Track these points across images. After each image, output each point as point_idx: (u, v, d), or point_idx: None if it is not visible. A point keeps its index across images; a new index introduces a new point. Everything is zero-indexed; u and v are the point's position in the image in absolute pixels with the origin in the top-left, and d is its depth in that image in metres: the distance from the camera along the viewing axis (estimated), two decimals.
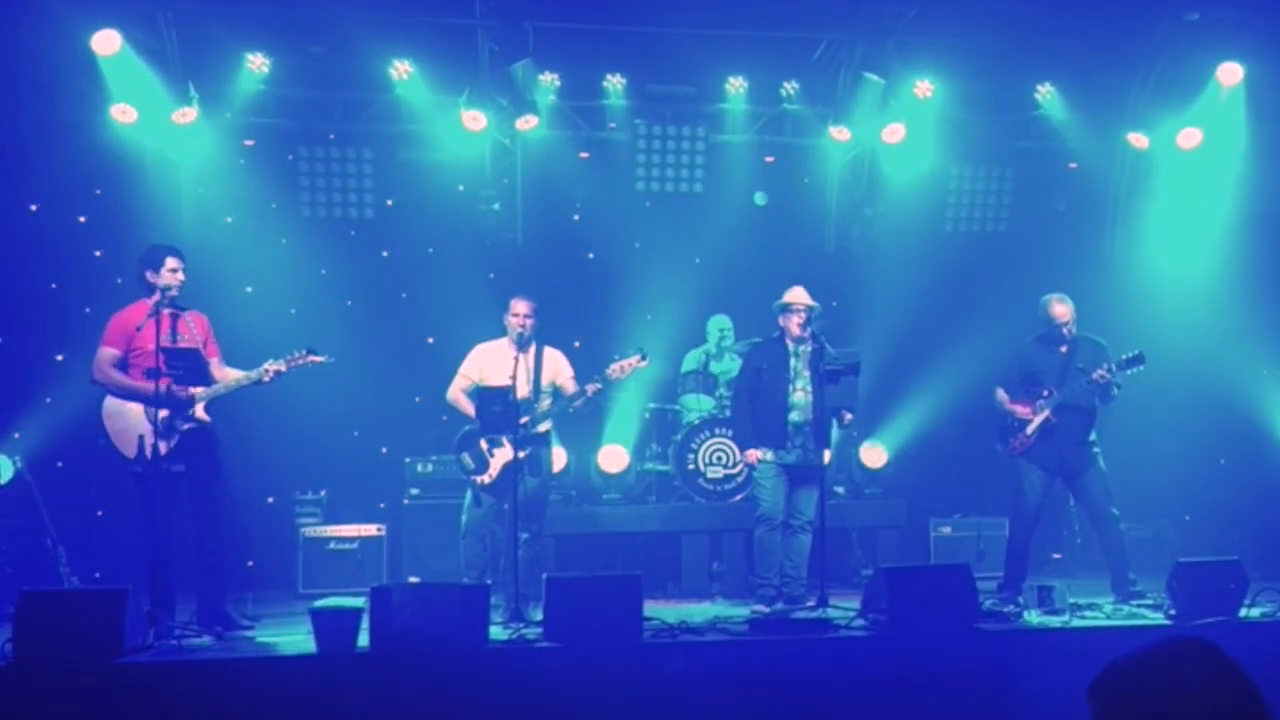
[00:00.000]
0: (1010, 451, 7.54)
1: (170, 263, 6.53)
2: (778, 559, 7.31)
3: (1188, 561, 6.58)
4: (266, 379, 6.64)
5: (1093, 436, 7.48)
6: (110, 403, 6.51)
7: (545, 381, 7.33)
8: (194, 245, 8.34)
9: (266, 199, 9.35)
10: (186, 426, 6.51)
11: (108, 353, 6.51)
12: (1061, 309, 7.46)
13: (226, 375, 6.70)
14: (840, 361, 7.25)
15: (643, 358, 7.26)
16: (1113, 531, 7.37)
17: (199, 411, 6.56)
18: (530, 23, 8.75)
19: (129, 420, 6.44)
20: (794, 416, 7.32)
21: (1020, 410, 7.50)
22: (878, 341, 9.16)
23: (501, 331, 7.38)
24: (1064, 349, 7.49)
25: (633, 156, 9.82)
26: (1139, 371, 7.27)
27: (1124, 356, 7.25)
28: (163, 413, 6.32)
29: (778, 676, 5.69)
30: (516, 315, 7.26)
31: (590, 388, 7.19)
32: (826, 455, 7.49)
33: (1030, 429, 7.42)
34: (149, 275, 6.54)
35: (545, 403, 7.28)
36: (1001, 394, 7.63)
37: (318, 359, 6.67)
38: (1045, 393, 7.43)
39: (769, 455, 7.33)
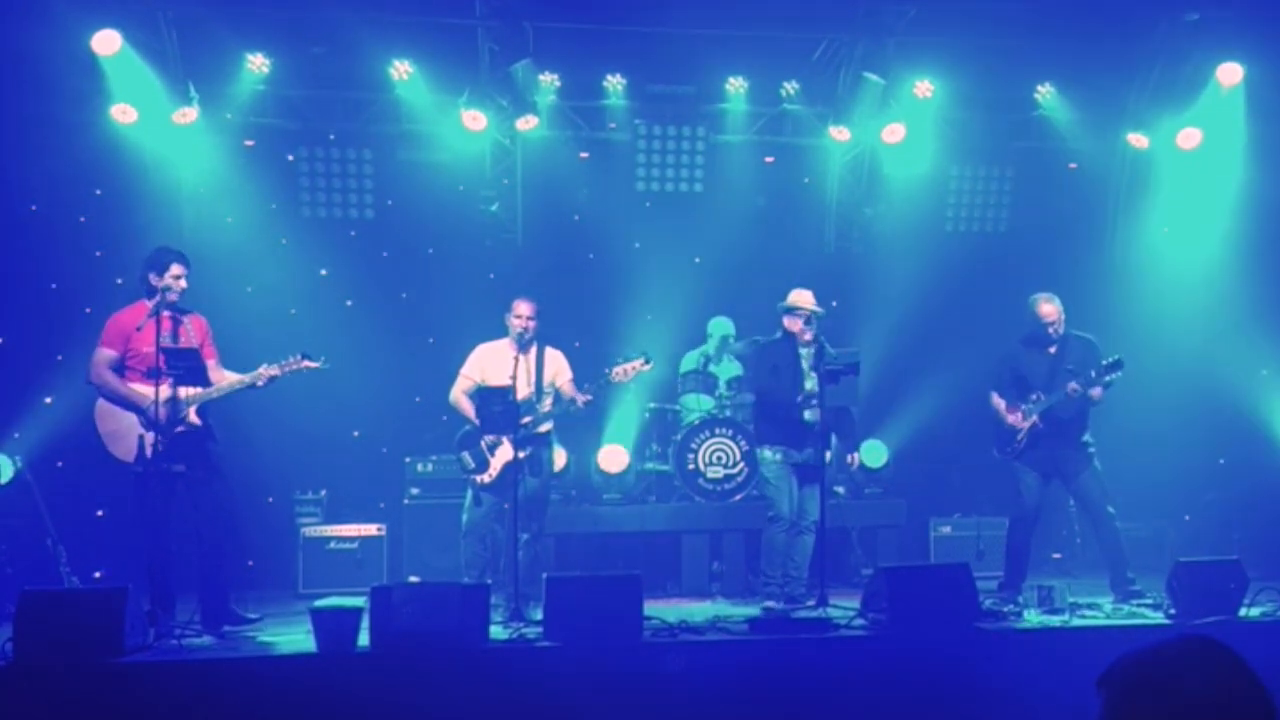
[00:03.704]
0: (1005, 456, 7.54)
1: (175, 269, 6.54)
2: (784, 558, 7.33)
3: (1188, 561, 6.59)
4: (260, 383, 6.63)
5: (1087, 437, 7.43)
6: (103, 405, 6.50)
7: (546, 382, 7.33)
8: (194, 245, 8.35)
9: (266, 199, 9.34)
10: (179, 430, 6.49)
11: (105, 354, 6.50)
12: (1049, 309, 7.38)
13: (223, 378, 6.69)
14: (840, 361, 7.25)
15: (646, 361, 7.25)
16: (1110, 530, 7.34)
17: (190, 415, 6.54)
18: (530, 23, 8.76)
19: (122, 423, 6.44)
20: (808, 416, 7.35)
21: (1010, 418, 7.46)
22: (878, 341, 9.17)
23: (502, 331, 7.38)
24: (1053, 349, 7.43)
25: (633, 156, 9.81)
26: (1118, 377, 7.22)
27: (1103, 362, 7.19)
28: (160, 413, 6.33)
29: (778, 676, 5.69)
30: (520, 317, 7.25)
31: (581, 398, 7.15)
32: (828, 454, 7.53)
33: (1020, 436, 7.40)
34: (152, 277, 6.54)
35: (547, 403, 7.28)
36: (998, 400, 7.57)
37: (312, 364, 6.64)
38: (1034, 396, 7.40)
39: (779, 454, 7.34)
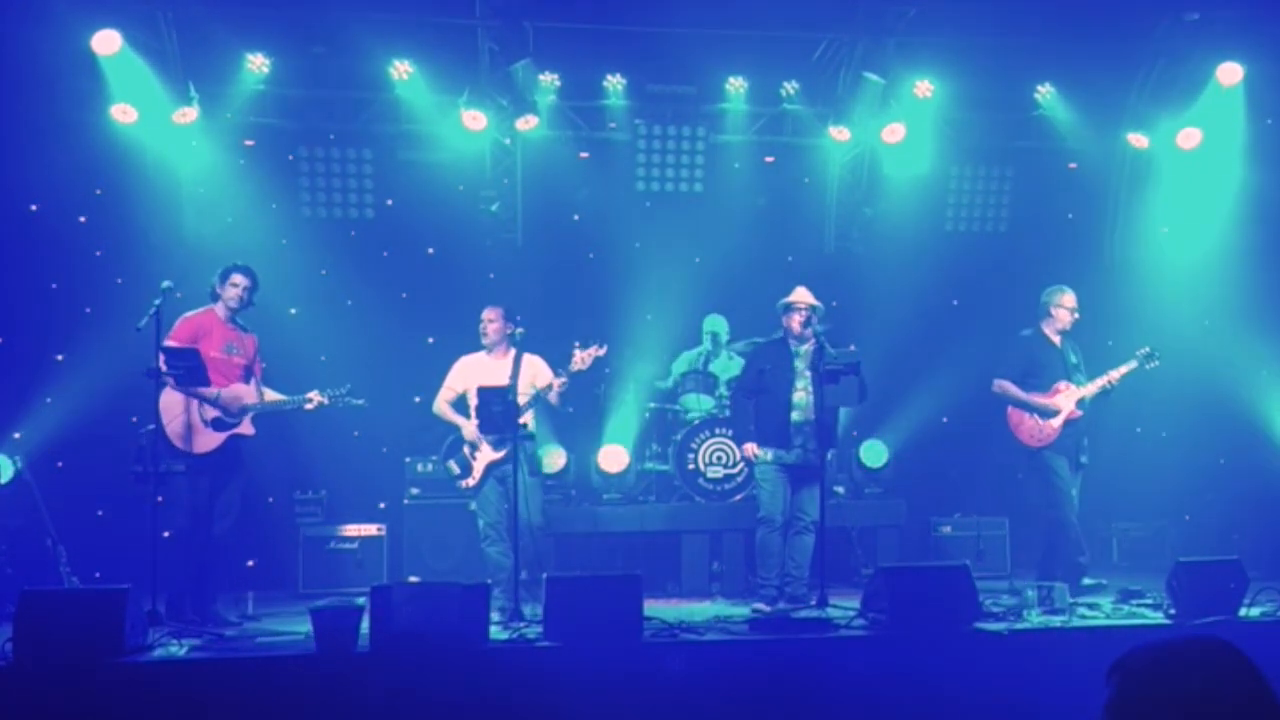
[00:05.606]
0: (1033, 446, 7.56)
1: (234, 277, 6.99)
2: (778, 559, 7.32)
3: (1188, 561, 6.58)
4: (309, 407, 7.11)
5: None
6: (168, 398, 6.75)
7: (525, 385, 7.40)
8: (194, 245, 8.36)
9: (266, 199, 9.33)
10: (235, 433, 6.86)
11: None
12: (1072, 299, 7.63)
13: (266, 395, 7.07)
14: (840, 361, 7.25)
15: (601, 345, 7.36)
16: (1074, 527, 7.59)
17: (245, 424, 6.92)
18: (530, 23, 8.76)
19: (194, 417, 6.83)
20: (795, 416, 7.35)
21: (1049, 401, 7.52)
22: (878, 341, 9.14)
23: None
24: (1058, 341, 7.58)
25: (633, 156, 9.81)
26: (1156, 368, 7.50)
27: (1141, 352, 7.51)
28: (211, 413, 6.80)
29: (778, 676, 5.69)
30: (481, 322, 7.48)
31: (556, 382, 7.31)
32: (830, 454, 7.53)
33: (1057, 421, 7.48)
34: (216, 287, 6.99)
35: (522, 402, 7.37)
36: (1012, 388, 7.64)
37: (357, 402, 7.20)
38: (1062, 386, 7.49)
39: (769, 455, 7.34)
